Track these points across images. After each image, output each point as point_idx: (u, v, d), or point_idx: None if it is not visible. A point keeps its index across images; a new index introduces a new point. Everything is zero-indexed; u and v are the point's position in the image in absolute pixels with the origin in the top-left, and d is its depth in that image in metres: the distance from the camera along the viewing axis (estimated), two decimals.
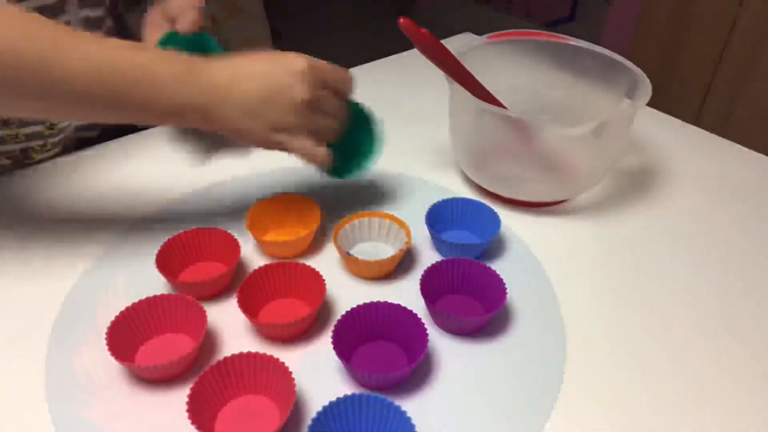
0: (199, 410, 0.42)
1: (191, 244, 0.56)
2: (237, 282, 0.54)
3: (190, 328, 0.49)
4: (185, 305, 0.49)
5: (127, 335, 0.48)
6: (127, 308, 0.48)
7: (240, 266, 0.57)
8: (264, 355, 0.45)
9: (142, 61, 0.49)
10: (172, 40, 0.65)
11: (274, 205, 0.61)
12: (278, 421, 0.43)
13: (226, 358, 0.44)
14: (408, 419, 0.41)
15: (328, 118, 0.55)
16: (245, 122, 0.52)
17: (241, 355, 0.45)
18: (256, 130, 0.52)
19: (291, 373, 0.44)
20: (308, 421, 0.41)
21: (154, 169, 0.71)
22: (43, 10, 0.61)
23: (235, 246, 0.56)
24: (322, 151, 0.55)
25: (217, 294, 0.54)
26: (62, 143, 0.74)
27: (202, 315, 0.48)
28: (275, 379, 0.45)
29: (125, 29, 0.79)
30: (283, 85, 0.51)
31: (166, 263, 0.54)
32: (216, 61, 0.52)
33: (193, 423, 0.40)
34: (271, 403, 0.45)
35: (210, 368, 0.44)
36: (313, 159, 0.55)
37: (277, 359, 0.45)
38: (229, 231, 0.56)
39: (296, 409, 0.45)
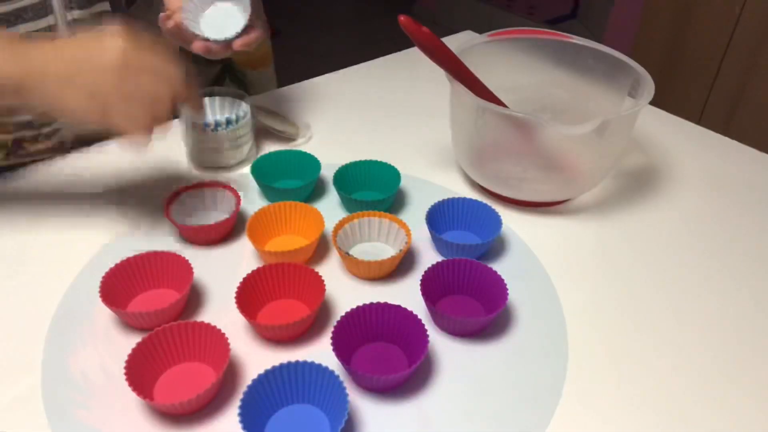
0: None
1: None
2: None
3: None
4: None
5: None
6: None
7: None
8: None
9: None
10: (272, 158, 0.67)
11: (274, 212, 0.59)
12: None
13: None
14: (336, 377, 0.43)
15: (159, 81, 0.51)
16: (62, 92, 0.50)
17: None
18: (73, 98, 0.50)
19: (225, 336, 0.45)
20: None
21: (150, 168, 0.70)
22: (26, 10, 0.62)
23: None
24: (145, 131, 0.51)
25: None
26: (58, 137, 0.73)
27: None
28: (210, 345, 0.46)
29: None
30: (97, 47, 0.50)
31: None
32: (36, 38, 0.51)
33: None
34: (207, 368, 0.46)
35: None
36: (131, 138, 0.51)
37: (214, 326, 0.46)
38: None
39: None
